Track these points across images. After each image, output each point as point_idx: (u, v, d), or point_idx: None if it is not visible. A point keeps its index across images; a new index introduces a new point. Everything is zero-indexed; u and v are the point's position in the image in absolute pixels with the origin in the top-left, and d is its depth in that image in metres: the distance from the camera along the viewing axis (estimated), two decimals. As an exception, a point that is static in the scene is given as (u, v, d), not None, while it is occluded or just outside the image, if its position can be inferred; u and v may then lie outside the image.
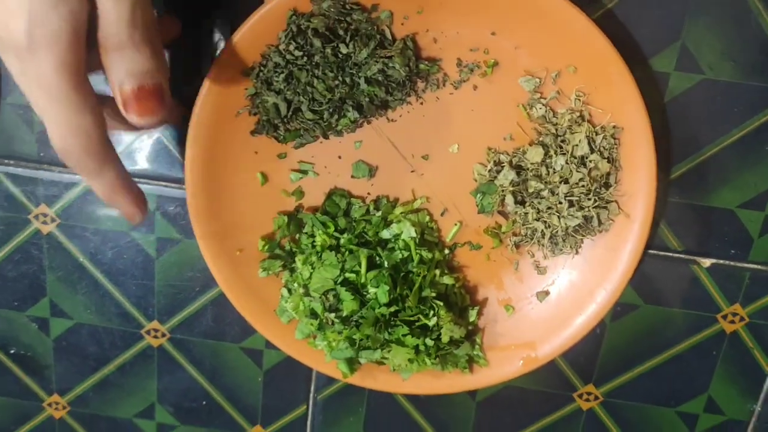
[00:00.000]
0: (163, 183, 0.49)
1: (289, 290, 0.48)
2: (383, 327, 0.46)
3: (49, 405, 0.56)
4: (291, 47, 0.42)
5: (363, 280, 0.46)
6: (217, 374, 0.54)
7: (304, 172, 0.47)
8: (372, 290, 0.45)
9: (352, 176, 0.47)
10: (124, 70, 0.34)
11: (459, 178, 0.47)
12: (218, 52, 0.46)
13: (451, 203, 0.47)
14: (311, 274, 0.46)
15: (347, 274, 0.46)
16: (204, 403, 0.55)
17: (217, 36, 0.46)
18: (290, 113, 0.44)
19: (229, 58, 0.43)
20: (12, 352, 0.54)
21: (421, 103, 0.45)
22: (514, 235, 0.47)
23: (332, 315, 0.46)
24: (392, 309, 0.45)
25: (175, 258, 0.51)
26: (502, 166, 0.45)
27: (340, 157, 0.47)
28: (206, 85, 0.43)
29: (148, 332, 0.53)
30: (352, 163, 0.47)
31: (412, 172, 0.47)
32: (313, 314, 0.47)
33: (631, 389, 0.52)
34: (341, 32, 0.42)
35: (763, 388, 0.52)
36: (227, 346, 0.53)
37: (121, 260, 0.52)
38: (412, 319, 0.46)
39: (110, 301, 0.53)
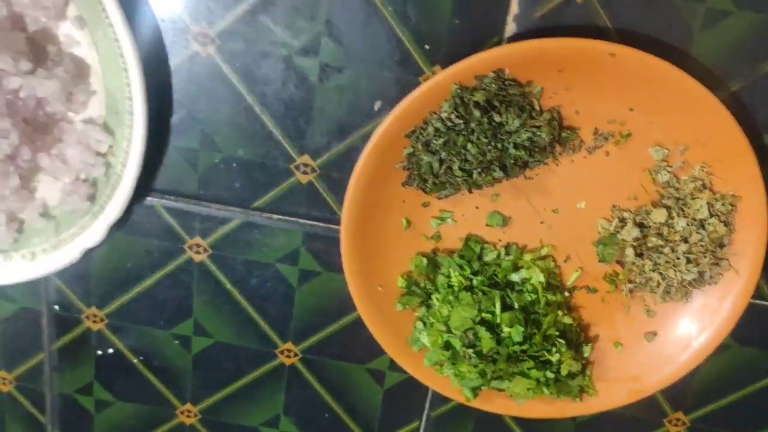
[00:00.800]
0: (311, 222, 0.55)
1: (424, 323, 0.54)
2: (513, 361, 0.52)
3: (182, 412, 0.62)
4: (452, 116, 0.47)
5: (498, 320, 0.51)
6: (341, 391, 0.60)
7: (444, 219, 0.53)
8: (506, 329, 0.51)
9: (487, 224, 0.53)
10: None
11: (583, 230, 0.52)
12: (377, 108, 0.51)
13: (573, 251, 0.53)
14: (450, 312, 0.52)
15: (483, 314, 0.51)
16: (326, 415, 0.61)
17: (378, 101, 0.51)
18: (441, 170, 0.49)
19: (395, 122, 0.48)
20: (155, 364, 0.60)
21: (557, 164, 0.51)
22: (629, 282, 0.53)
23: (470, 350, 0.51)
24: (524, 347, 0.51)
25: (314, 288, 0.57)
26: (626, 223, 0.51)
27: (477, 208, 0.52)
28: (372, 142, 0.48)
29: (281, 352, 0.59)
30: (488, 213, 0.52)
31: (541, 223, 0.52)
32: (446, 346, 0.53)
33: (716, 417, 0.58)
34: (496, 103, 0.47)
35: (833, 420, 0.58)
36: (353, 367, 0.59)
37: (264, 288, 0.57)
38: (537, 354, 0.52)
39: (250, 323, 0.58)
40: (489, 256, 0.53)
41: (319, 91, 0.51)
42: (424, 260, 0.53)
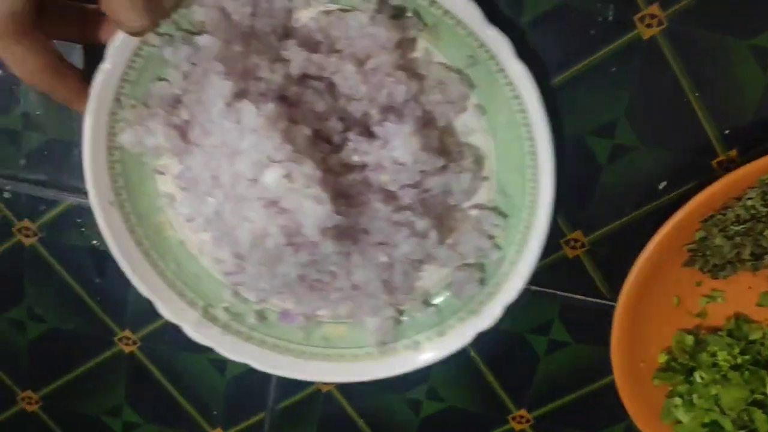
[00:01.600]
0: (570, 294, 0.54)
1: (682, 398, 0.54)
2: (779, 442, 0.52)
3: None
4: (757, 203, 0.47)
5: (769, 401, 0.51)
6: (570, 457, 0.60)
7: (714, 298, 0.52)
8: (777, 411, 0.51)
9: (758, 304, 0.52)
10: None
11: None
12: (661, 188, 0.50)
13: (837, 329, 0.53)
14: (719, 391, 0.52)
15: (756, 396, 0.51)
16: (550, 479, 0.61)
17: (664, 181, 0.50)
18: (731, 254, 0.49)
19: (696, 207, 0.47)
20: (380, 426, 0.59)
21: (836, 244, 0.51)
22: None
23: (742, 431, 0.51)
24: (794, 429, 0.51)
25: (561, 357, 0.56)
26: None
27: (750, 288, 0.52)
28: (668, 226, 0.47)
29: (513, 417, 0.59)
30: (761, 293, 0.52)
31: (813, 301, 0.52)
32: (705, 425, 0.53)
33: None
34: (800, 190, 0.47)
35: None
36: (585, 435, 0.59)
37: (506, 356, 0.56)
38: (795, 434, 0.52)
39: (486, 389, 0.58)
40: (754, 335, 0.53)
41: (605, 169, 0.50)
42: (690, 338, 0.53)
